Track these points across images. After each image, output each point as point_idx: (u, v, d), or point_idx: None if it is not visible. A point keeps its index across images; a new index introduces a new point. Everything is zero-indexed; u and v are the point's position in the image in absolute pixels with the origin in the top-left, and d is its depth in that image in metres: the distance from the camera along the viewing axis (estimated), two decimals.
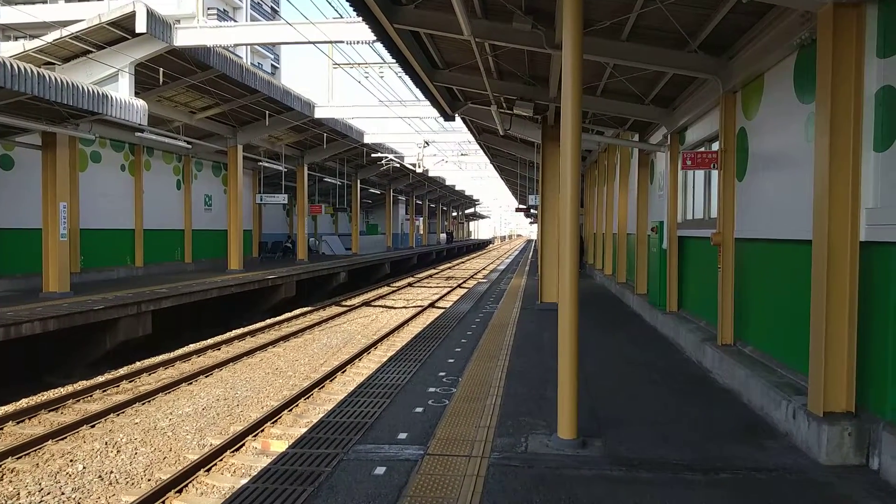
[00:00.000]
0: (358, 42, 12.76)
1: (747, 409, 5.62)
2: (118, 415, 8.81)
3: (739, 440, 4.83)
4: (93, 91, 11.82)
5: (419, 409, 5.68)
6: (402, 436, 4.96)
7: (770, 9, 5.66)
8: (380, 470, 4.26)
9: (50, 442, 7.65)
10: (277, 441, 7.75)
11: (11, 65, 10.07)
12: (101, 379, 10.78)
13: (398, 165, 31.41)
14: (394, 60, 9.34)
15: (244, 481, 6.21)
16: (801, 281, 5.05)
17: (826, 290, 4.37)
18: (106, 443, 7.75)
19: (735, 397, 6.02)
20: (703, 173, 8.68)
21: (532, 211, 30.55)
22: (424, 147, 26.73)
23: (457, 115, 13.09)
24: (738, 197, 6.84)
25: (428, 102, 12.23)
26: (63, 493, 6.39)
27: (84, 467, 7.02)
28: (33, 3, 42.50)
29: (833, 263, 4.36)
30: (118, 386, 10.47)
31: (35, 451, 7.41)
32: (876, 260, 4.25)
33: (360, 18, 7.38)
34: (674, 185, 9.45)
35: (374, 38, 8.13)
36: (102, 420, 8.54)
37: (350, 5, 6.95)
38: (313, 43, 13.11)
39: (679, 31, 6.52)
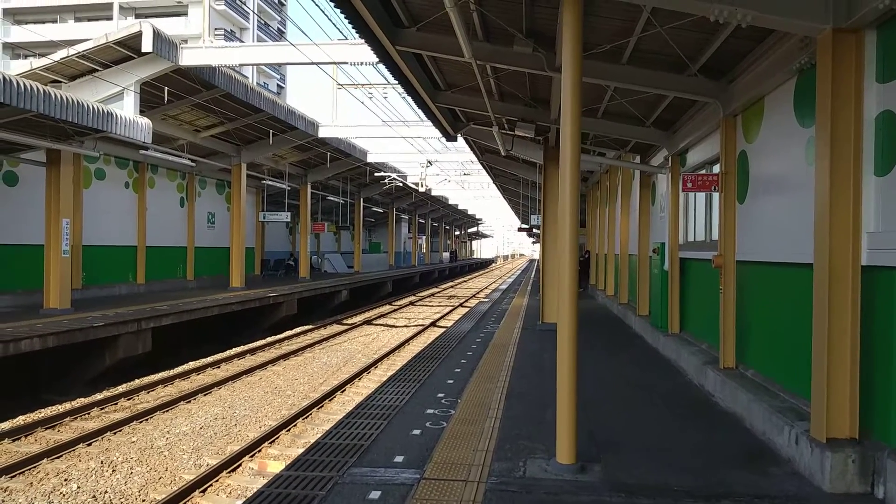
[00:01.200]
0: (361, 63, 12.86)
1: (749, 434, 5.55)
2: (115, 433, 8.74)
3: (742, 466, 4.75)
4: (98, 109, 11.92)
5: (416, 432, 5.62)
6: (399, 459, 4.90)
7: (770, 34, 5.69)
8: (374, 494, 4.19)
9: (45, 460, 7.58)
10: (274, 462, 7.67)
11: (18, 83, 10.17)
12: (99, 396, 10.73)
13: (401, 184, 31.54)
14: (396, 82, 9.42)
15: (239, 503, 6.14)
16: (803, 304, 5.01)
17: (828, 314, 4.33)
18: (102, 462, 7.67)
19: (737, 422, 5.95)
20: (704, 195, 8.68)
21: (534, 231, 30.58)
22: (427, 166, 26.85)
23: (459, 135, 13.16)
24: (739, 219, 6.83)
25: (430, 123, 12.30)
26: None
27: (79, 487, 6.94)
28: (43, 23, 43.16)
29: (835, 287, 4.32)
30: (116, 404, 10.40)
31: (30, 469, 7.34)
32: (878, 284, 4.22)
33: (363, 41, 7.46)
34: (675, 206, 9.45)
35: (377, 59, 8.20)
36: (99, 438, 8.48)
37: (353, 28, 7.02)
38: (317, 64, 13.22)
39: (679, 55, 6.56)
